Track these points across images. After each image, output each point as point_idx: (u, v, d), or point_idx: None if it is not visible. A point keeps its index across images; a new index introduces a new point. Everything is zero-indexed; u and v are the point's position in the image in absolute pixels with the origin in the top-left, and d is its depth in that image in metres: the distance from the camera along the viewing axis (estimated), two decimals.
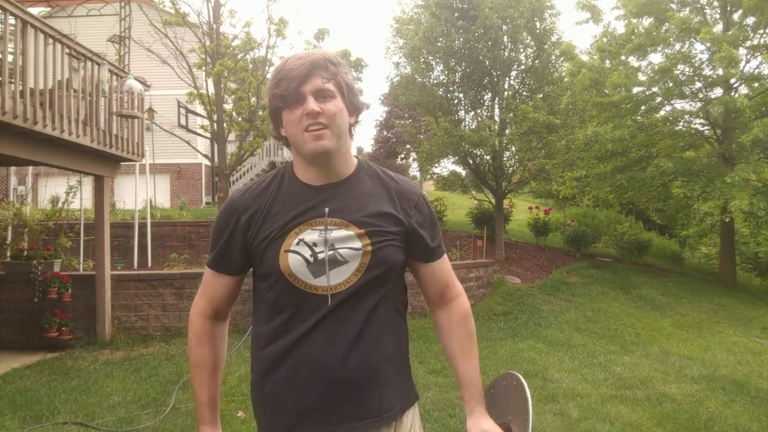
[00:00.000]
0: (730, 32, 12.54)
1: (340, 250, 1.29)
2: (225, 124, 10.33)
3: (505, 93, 12.23)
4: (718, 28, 13.30)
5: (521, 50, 12.21)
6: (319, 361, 1.28)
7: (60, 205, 8.18)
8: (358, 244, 1.29)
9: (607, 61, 13.27)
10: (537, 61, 12.09)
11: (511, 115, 11.71)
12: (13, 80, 5.02)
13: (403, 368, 1.41)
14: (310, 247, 1.29)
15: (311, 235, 1.30)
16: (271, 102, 1.31)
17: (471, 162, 12.33)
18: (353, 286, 1.29)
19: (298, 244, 1.29)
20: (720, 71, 12.18)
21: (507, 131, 12.11)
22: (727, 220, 12.33)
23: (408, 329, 1.46)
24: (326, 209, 1.32)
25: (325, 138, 1.26)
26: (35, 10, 9.45)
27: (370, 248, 1.30)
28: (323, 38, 12.28)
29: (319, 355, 1.28)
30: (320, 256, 1.28)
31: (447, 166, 25.82)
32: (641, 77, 12.95)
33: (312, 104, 1.25)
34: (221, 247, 1.38)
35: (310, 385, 1.29)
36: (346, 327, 1.29)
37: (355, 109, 1.37)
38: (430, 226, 1.42)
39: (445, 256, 1.48)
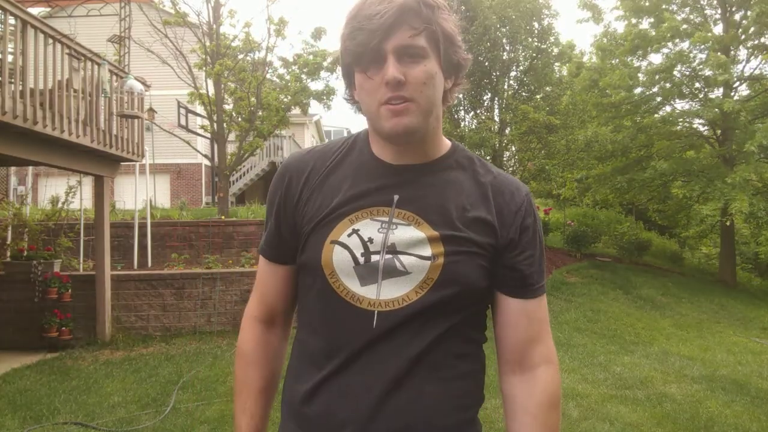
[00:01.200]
0: (731, 32, 12.54)
1: (402, 257, 0.97)
2: (225, 124, 10.33)
3: (505, 93, 12.25)
4: (719, 28, 13.30)
5: (520, 51, 12.22)
6: (344, 410, 0.96)
7: (60, 205, 8.18)
8: (427, 251, 0.97)
9: (608, 62, 13.28)
10: (536, 62, 12.09)
11: (510, 115, 11.72)
12: (13, 80, 5.02)
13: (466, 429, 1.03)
14: (364, 243, 0.98)
15: (369, 228, 0.99)
16: (343, 55, 0.98)
17: None
18: (411, 306, 0.95)
19: (350, 235, 0.98)
20: (715, 71, 12.19)
21: (507, 131, 12.12)
22: (728, 223, 12.33)
23: (484, 376, 1.07)
24: (395, 196, 1.00)
25: (409, 114, 0.95)
26: (35, 10, 9.45)
27: (441, 260, 0.96)
28: (320, 38, 12.29)
29: (346, 402, 0.97)
30: (373, 258, 0.97)
31: None
32: (641, 77, 12.96)
33: (393, 70, 0.92)
34: (272, 224, 1.09)
35: None
36: (392, 362, 0.96)
37: (454, 69, 1.01)
38: (533, 246, 1.03)
39: (545, 300, 1.06)
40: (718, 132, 13.23)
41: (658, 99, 13.22)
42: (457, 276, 0.96)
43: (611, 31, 13.78)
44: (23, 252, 6.82)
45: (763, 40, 13.12)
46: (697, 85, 13.09)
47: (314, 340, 1.02)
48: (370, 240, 0.98)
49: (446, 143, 1.08)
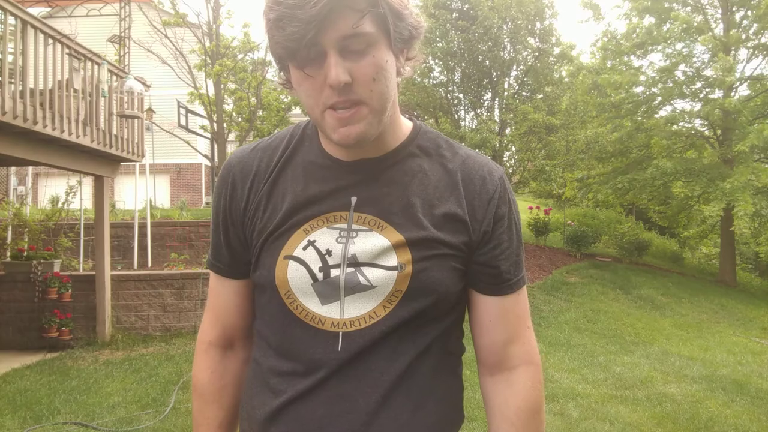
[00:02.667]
0: (732, 32, 12.55)
1: (366, 269, 0.84)
2: (225, 124, 10.34)
3: (505, 93, 12.25)
4: (719, 28, 13.31)
5: (521, 50, 12.23)
6: None
7: (60, 205, 8.18)
8: (392, 260, 0.84)
9: (609, 62, 13.30)
10: (537, 62, 12.10)
11: (511, 115, 11.72)
12: (13, 80, 5.02)
13: None
14: (322, 257, 0.85)
15: (326, 238, 0.86)
16: (272, 46, 0.79)
17: None
18: (380, 324, 0.84)
19: (306, 248, 0.86)
20: (720, 73, 12.21)
21: (507, 131, 12.13)
22: (732, 229, 12.36)
23: (462, 392, 0.99)
24: (353, 199, 0.87)
25: (360, 120, 0.79)
26: (35, 10, 9.45)
27: (410, 268, 0.84)
28: None
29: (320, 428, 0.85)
30: (333, 273, 0.85)
31: None
32: (642, 77, 12.98)
33: (336, 72, 0.75)
34: (219, 236, 0.95)
35: None
36: (365, 389, 0.84)
37: (405, 42, 0.83)
38: (509, 236, 0.91)
39: (524, 294, 0.95)
40: (718, 132, 13.25)
41: (659, 99, 13.24)
42: (428, 284, 0.84)
43: (611, 30, 13.81)
44: (23, 252, 6.82)
45: (763, 40, 13.13)
46: (698, 84, 13.10)
47: (271, 362, 0.91)
48: (329, 252, 0.85)
49: (406, 127, 0.93)
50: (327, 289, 0.85)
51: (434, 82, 12.49)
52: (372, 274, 0.84)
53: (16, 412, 4.23)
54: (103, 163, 6.63)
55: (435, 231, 0.86)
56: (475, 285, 0.92)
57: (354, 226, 0.86)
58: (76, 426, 4.01)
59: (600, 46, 13.69)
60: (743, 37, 12.87)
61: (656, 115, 13.68)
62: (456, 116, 12.68)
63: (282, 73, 0.88)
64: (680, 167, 12.43)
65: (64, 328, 6.29)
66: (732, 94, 12.67)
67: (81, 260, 7.96)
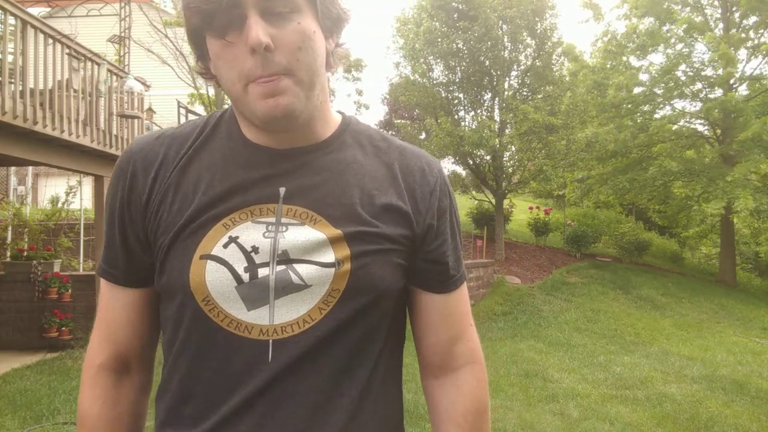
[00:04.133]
0: (732, 32, 12.57)
1: (299, 266, 0.74)
2: None
3: (505, 93, 12.25)
4: (719, 28, 13.33)
5: (521, 50, 12.23)
6: None
7: (60, 205, 8.18)
8: (329, 256, 0.75)
9: (609, 62, 13.32)
10: (537, 61, 12.10)
11: (511, 115, 11.72)
12: (13, 80, 5.02)
13: None
14: (247, 255, 0.74)
15: (251, 233, 0.75)
16: (187, 15, 0.72)
17: (471, 162, 12.35)
18: (315, 328, 0.74)
19: (227, 245, 0.74)
20: (720, 71, 12.22)
21: (507, 131, 12.13)
22: (734, 220, 12.41)
23: (402, 400, 0.90)
24: (281, 189, 0.77)
25: (287, 92, 0.71)
26: (35, 10, 9.45)
27: (348, 265, 0.75)
28: None
29: None
30: (262, 273, 0.74)
31: (447, 166, 25.84)
32: (642, 77, 13.00)
33: (257, 31, 0.68)
34: (114, 236, 0.81)
35: None
36: (299, 406, 0.74)
37: (334, 24, 0.77)
38: (452, 230, 0.85)
39: (465, 289, 0.89)
40: (718, 132, 13.26)
41: (659, 99, 13.26)
42: (369, 282, 0.75)
43: (612, 30, 13.84)
44: (23, 252, 6.83)
45: (763, 39, 13.14)
46: (698, 85, 13.12)
47: (185, 385, 0.77)
48: (255, 249, 0.74)
49: (335, 117, 0.85)
50: (254, 291, 0.73)
51: (434, 82, 12.50)
52: (306, 271, 0.74)
53: (16, 412, 4.23)
54: (103, 163, 6.64)
55: (375, 224, 0.77)
56: (421, 283, 0.84)
57: (283, 220, 0.76)
58: (76, 426, 4.00)
59: (600, 46, 13.71)
60: (742, 36, 12.89)
61: (656, 115, 13.70)
62: (456, 116, 12.68)
63: (199, 63, 0.79)
64: (681, 167, 12.46)
65: (64, 328, 6.29)
66: (733, 92, 12.69)
67: (81, 260, 7.97)
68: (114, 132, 6.50)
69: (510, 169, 12.86)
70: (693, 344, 7.55)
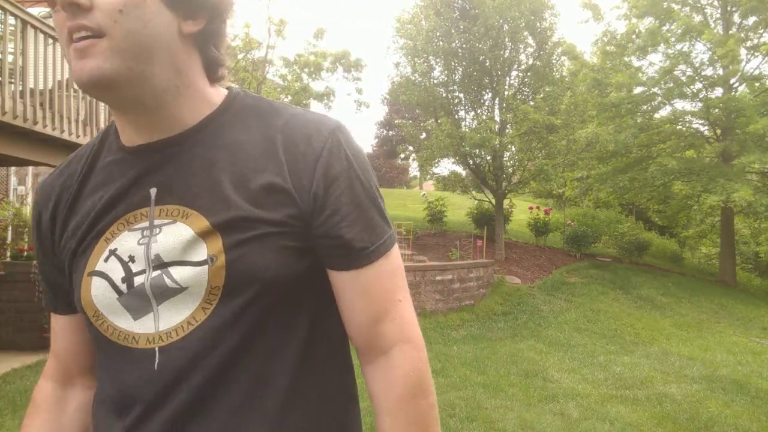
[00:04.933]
0: (731, 32, 12.58)
1: (173, 269, 0.71)
2: None
3: (506, 93, 12.26)
4: (719, 28, 13.34)
5: (522, 50, 12.24)
6: None
7: None
8: (201, 254, 0.70)
9: (609, 62, 13.32)
10: (537, 61, 12.10)
11: (511, 115, 11.72)
12: (13, 80, 5.03)
13: None
14: (125, 265, 0.72)
15: (128, 242, 0.73)
16: None
17: (471, 162, 12.36)
18: (200, 330, 0.70)
19: (107, 259, 0.73)
20: (720, 71, 12.23)
21: (507, 131, 12.13)
22: (732, 206, 12.41)
23: (356, 391, 0.85)
24: (152, 190, 0.74)
25: (95, 55, 0.65)
26: (35, 10, 9.45)
27: (222, 258, 0.69)
28: (322, 37, 12.30)
29: None
30: (138, 281, 0.71)
31: (447, 166, 25.87)
32: (642, 77, 13.01)
33: None
34: (43, 270, 0.86)
35: None
36: (200, 414, 0.70)
37: (192, 2, 0.71)
38: (352, 198, 0.74)
39: (388, 258, 0.77)
40: (718, 132, 13.27)
41: (659, 99, 13.27)
42: (249, 273, 0.69)
43: (612, 31, 13.83)
44: (23, 252, 6.83)
45: (763, 39, 13.15)
46: (698, 85, 13.13)
47: (98, 399, 0.79)
48: (131, 258, 0.72)
49: (215, 98, 0.78)
50: (134, 301, 0.71)
51: (435, 81, 12.50)
52: (179, 273, 0.70)
53: (17, 412, 4.23)
54: None
55: (249, 208, 0.71)
56: (324, 261, 0.76)
57: (156, 221, 0.73)
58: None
59: (600, 47, 13.72)
60: (742, 36, 12.90)
61: (656, 115, 13.70)
62: (456, 116, 12.69)
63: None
64: (681, 166, 12.47)
65: None
66: (733, 93, 12.69)
67: None
68: None
69: (510, 169, 12.86)
70: (693, 344, 7.55)
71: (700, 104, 13.18)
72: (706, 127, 13.92)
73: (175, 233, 0.71)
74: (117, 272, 0.72)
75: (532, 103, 12.02)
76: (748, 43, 13.27)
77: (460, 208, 15.75)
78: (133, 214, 0.74)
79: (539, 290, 10.02)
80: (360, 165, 0.76)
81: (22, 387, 4.89)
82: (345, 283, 0.76)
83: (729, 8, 13.26)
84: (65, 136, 5.47)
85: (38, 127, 5.05)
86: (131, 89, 0.69)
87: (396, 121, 18.34)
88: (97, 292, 0.73)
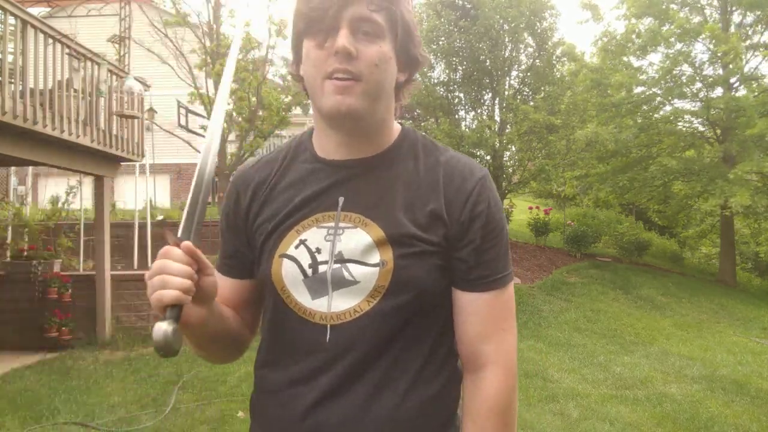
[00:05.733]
0: (731, 31, 12.57)
1: (351, 265, 0.90)
2: (225, 124, 10.31)
3: (506, 93, 12.25)
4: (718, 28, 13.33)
5: (522, 50, 12.23)
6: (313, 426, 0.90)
7: (60, 205, 8.17)
8: (375, 257, 0.89)
9: (609, 62, 13.31)
10: (537, 61, 12.10)
11: (511, 115, 11.72)
12: (13, 80, 5.02)
13: None
14: (312, 254, 0.92)
15: (316, 237, 0.93)
16: (295, 20, 0.92)
17: None
18: (364, 317, 0.89)
19: (297, 246, 0.93)
20: (720, 71, 12.22)
21: (507, 131, 12.13)
22: (727, 213, 12.41)
23: (458, 385, 1.00)
24: (340, 199, 0.93)
25: (353, 94, 0.86)
26: (35, 10, 9.45)
27: (391, 265, 0.89)
28: None
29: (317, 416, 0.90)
30: (321, 269, 0.91)
31: None
32: (642, 77, 13.00)
33: (344, 39, 0.84)
34: (226, 240, 1.04)
35: None
36: (353, 382, 0.90)
37: (409, 61, 0.95)
38: (488, 234, 0.93)
39: (503, 292, 0.96)
40: (718, 132, 13.27)
41: (659, 99, 13.26)
42: (409, 281, 0.89)
43: (611, 31, 13.82)
44: (23, 252, 6.82)
45: (763, 39, 13.15)
46: (698, 85, 13.13)
47: (269, 353, 0.99)
48: (318, 250, 0.92)
49: (395, 131, 1.00)
50: (316, 284, 0.91)
51: (435, 81, 12.50)
52: (356, 270, 0.90)
53: (17, 412, 4.23)
54: (103, 163, 6.63)
55: (415, 229, 0.90)
56: (453, 281, 0.95)
57: (341, 225, 0.92)
58: (77, 426, 4.01)
59: (600, 47, 13.70)
60: (742, 35, 12.90)
61: (656, 115, 13.70)
62: (456, 116, 12.68)
63: (293, 66, 0.97)
64: (681, 166, 12.46)
65: (64, 328, 6.28)
66: (733, 93, 12.69)
67: (81, 260, 7.96)
68: (114, 132, 6.50)
69: (510, 169, 12.85)
70: (693, 344, 7.55)
71: (700, 104, 13.18)
72: (706, 127, 13.92)
73: (356, 237, 0.91)
74: (305, 259, 0.92)
75: (532, 103, 12.00)
76: (748, 42, 13.27)
77: None
78: (323, 215, 0.94)
79: (539, 290, 10.02)
80: (497, 210, 0.96)
81: (22, 387, 4.89)
82: (465, 302, 0.94)
83: (729, 8, 13.25)
84: (65, 136, 5.46)
85: (38, 127, 5.04)
86: (364, 120, 0.91)
87: (396, 121, 18.32)
88: (287, 271, 0.93)
